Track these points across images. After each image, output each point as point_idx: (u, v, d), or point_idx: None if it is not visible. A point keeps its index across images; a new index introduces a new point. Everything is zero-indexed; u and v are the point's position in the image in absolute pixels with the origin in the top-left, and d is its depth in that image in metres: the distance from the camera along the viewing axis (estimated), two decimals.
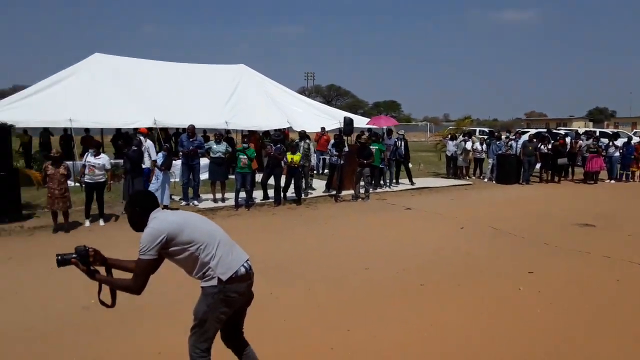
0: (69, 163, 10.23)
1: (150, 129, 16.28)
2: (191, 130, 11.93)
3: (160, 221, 3.01)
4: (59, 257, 3.06)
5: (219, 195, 12.09)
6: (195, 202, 11.71)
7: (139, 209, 3.09)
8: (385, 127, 18.12)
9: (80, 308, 5.31)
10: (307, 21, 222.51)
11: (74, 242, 6.66)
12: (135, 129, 18.42)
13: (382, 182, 15.06)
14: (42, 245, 8.12)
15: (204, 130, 18.83)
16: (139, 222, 3.08)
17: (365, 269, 6.86)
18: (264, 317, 4.79)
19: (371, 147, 13.53)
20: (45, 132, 18.84)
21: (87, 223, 9.60)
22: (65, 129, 17.02)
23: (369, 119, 21.61)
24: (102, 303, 3.18)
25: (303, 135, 13.72)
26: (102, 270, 3.21)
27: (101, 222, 9.70)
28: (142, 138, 11.09)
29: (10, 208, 9.63)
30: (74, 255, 3.05)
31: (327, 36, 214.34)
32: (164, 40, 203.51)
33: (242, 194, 11.63)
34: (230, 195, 11.98)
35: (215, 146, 11.74)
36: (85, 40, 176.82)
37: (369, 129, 19.76)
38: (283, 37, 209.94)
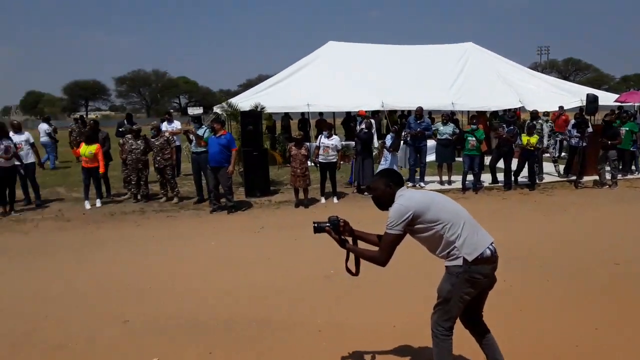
0: (307, 144, 11.18)
1: (377, 112, 16.87)
2: (419, 112, 11.98)
3: (408, 199, 3.06)
4: (316, 225, 3.33)
5: (445, 178, 11.94)
6: (422, 184, 11.75)
7: (393, 185, 3.18)
8: (638, 103, 15.66)
9: (322, 276, 5.78)
10: None
11: (313, 216, 7.26)
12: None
13: (633, 167, 13.10)
14: (287, 218, 9.07)
15: (430, 112, 18.76)
16: (387, 200, 3.17)
17: (615, 264, 6.05)
18: (498, 305, 4.56)
19: (622, 128, 11.85)
20: (286, 117, 20.91)
21: (323, 200, 10.38)
22: (302, 113, 18.66)
23: (617, 96, 18.92)
24: (348, 271, 3.37)
25: (535, 114, 12.69)
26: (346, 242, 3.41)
27: (334, 200, 10.39)
28: (372, 121, 11.50)
29: (261, 184, 10.97)
30: (327, 224, 3.29)
31: (561, 4, 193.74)
32: (390, 23, 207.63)
33: (470, 177, 11.28)
34: (457, 177, 11.72)
35: (442, 128, 11.59)
36: (321, 29, 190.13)
37: (619, 107, 17.32)
38: (511, 10, 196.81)
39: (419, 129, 11.56)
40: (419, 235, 3.08)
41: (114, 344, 4.33)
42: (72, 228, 8.68)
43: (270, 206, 10.12)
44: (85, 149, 9.91)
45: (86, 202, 10.17)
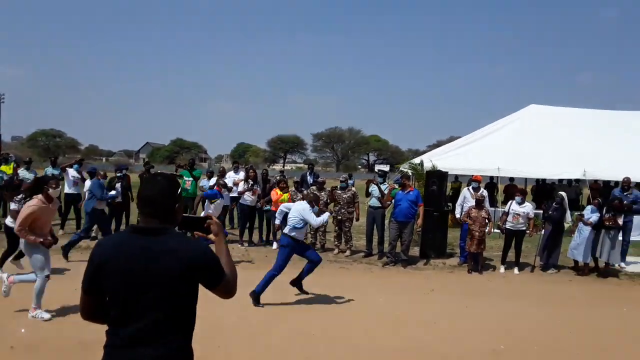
0: (491, 209, 10.58)
1: (577, 180, 15.30)
2: (627, 184, 10.71)
3: None
4: None
5: None
6: (622, 264, 10.27)
7: None
8: None
9: (489, 350, 5.34)
10: None
11: (486, 286, 6.83)
12: (560, 180, 17.62)
13: None
14: (459, 284, 8.64)
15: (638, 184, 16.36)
16: None
17: None
18: None
19: None
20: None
21: (502, 269, 9.68)
22: (491, 177, 17.75)
23: None
24: None
25: None
26: None
27: (515, 271, 9.62)
28: (563, 194, 10.44)
29: (437, 245, 10.65)
30: None
31: None
32: (601, 88, 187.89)
33: None
34: None
35: None
36: (521, 93, 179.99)
37: None
38: None
39: (625, 202, 10.18)
40: None
41: None
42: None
43: (444, 269, 9.76)
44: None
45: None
